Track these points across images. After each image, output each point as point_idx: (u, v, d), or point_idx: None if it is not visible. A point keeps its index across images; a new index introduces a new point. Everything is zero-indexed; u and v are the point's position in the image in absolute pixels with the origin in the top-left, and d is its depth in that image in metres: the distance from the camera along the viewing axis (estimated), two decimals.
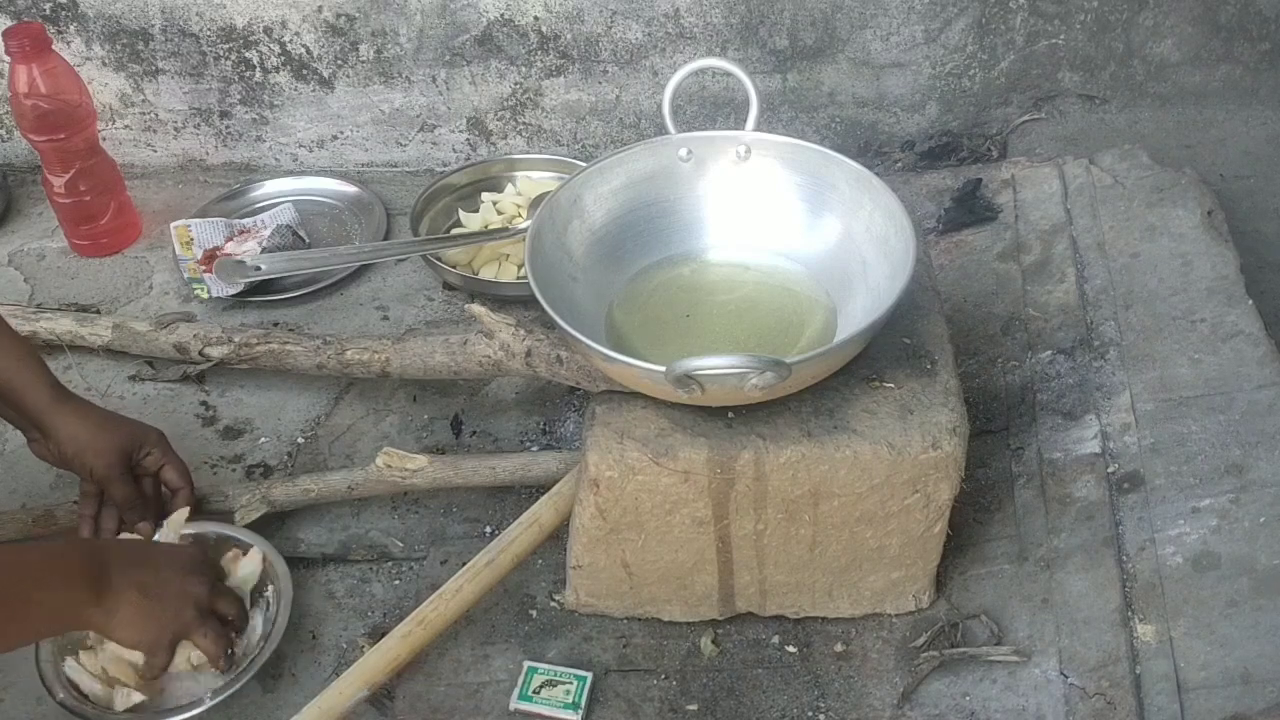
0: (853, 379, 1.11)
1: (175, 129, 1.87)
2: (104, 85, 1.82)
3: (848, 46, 1.73)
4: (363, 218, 1.78)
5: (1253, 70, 1.74)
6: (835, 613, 1.19)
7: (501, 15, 1.72)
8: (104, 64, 1.80)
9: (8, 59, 1.58)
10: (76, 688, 1.11)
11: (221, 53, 1.78)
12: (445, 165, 1.86)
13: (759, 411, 1.09)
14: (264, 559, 1.20)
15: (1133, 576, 1.12)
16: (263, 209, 1.77)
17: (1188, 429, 1.22)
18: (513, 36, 1.74)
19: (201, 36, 1.77)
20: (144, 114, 1.85)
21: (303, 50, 1.78)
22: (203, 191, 1.84)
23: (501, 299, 1.52)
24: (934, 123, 1.79)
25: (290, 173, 1.87)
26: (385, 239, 1.74)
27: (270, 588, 1.19)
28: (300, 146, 1.87)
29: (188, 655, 1.10)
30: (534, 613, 1.22)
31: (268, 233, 1.66)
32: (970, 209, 1.61)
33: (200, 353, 1.45)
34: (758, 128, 1.24)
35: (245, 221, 1.72)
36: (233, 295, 1.60)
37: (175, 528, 1.21)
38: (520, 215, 1.69)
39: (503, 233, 1.63)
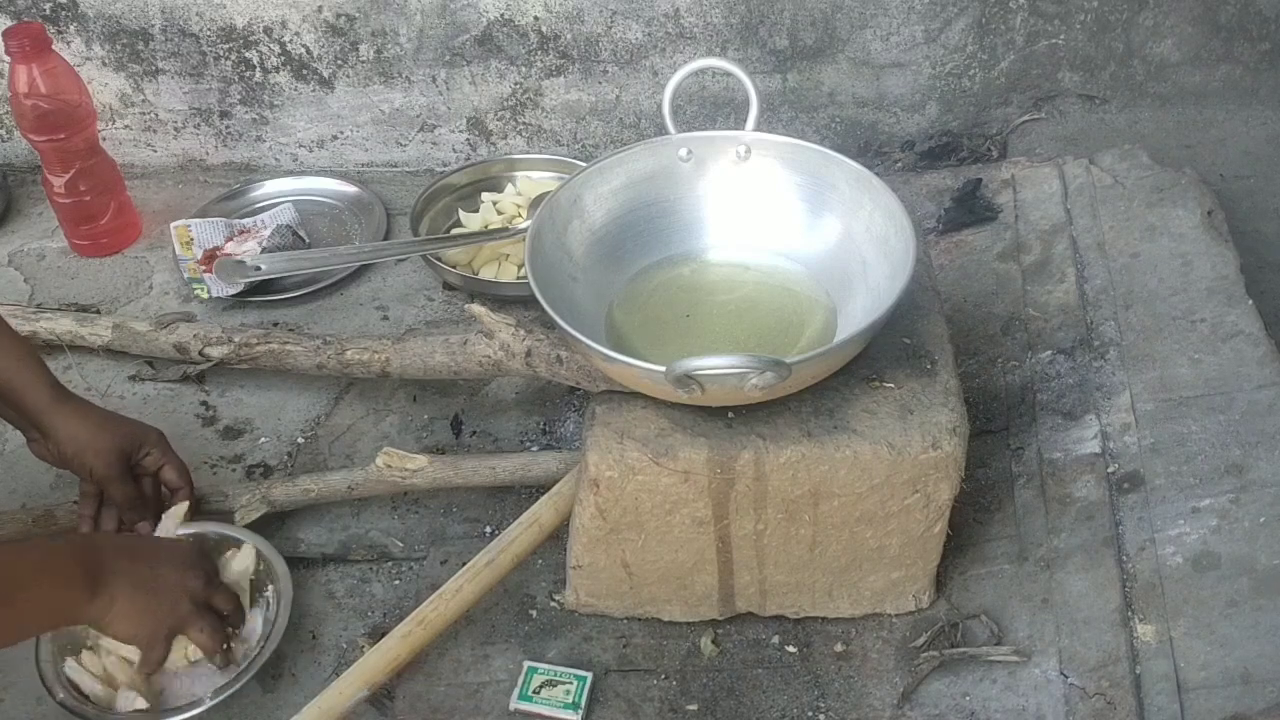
0: (853, 379, 1.11)
1: (175, 129, 1.87)
2: (104, 85, 1.82)
3: (848, 46, 1.73)
4: (363, 218, 1.78)
5: (1253, 70, 1.74)
6: (835, 613, 1.19)
7: (501, 15, 1.72)
8: (104, 64, 1.80)
9: (8, 59, 1.58)
10: (77, 688, 1.11)
11: (221, 53, 1.78)
12: (445, 165, 1.86)
13: (759, 411, 1.09)
14: (258, 555, 1.20)
15: (1133, 576, 1.12)
16: (263, 209, 1.77)
17: (1188, 429, 1.22)
18: (513, 36, 1.74)
19: (201, 36, 1.77)
20: (144, 114, 1.85)
21: (303, 50, 1.78)
22: (203, 191, 1.84)
23: (501, 299, 1.52)
24: (934, 123, 1.79)
25: (290, 173, 1.87)
26: (385, 239, 1.74)
27: (270, 588, 1.19)
28: (300, 146, 1.87)
29: (184, 651, 1.10)
30: (534, 613, 1.22)
31: (268, 233, 1.66)
32: (970, 209, 1.61)
33: (200, 353, 1.45)
34: (758, 128, 1.24)
35: (245, 221, 1.72)
36: (233, 295, 1.60)
37: (176, 519, 1.21)
38: (520, 215, 1.69)
39: (503, 233, 1.63)
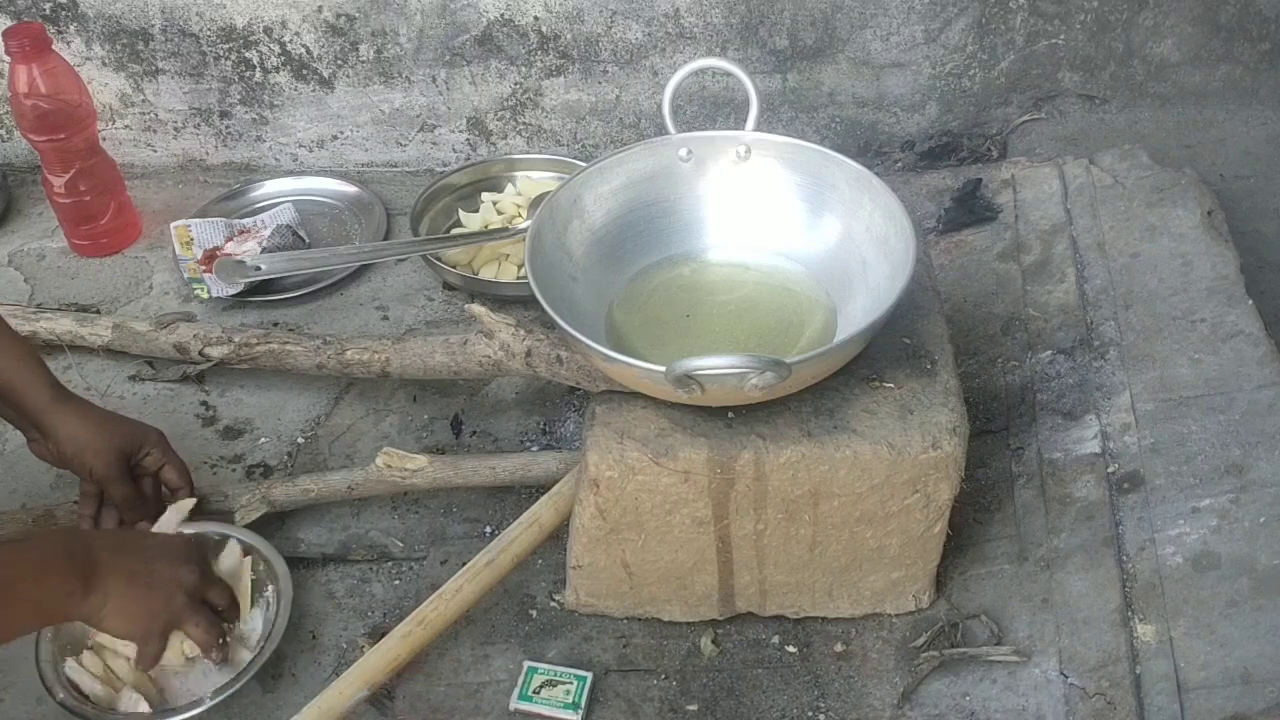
0: (853, 379, 1.11)
1: (175, 129, 1.87)
2: (104, 85, 1.82)
3: (848, 46, 1.73)
4: (363, 218, 1.78)
5: (1253, 70, 1.74)
6: (835, 613, 1.19)
7: (501, 15, 1.72)
8: (104, 64, 1.80)
9: (8, 59, 1.58)
10: (77, 688, 1.11)
11: (221, 53, 1.78)
12: (445, 165, 1.86)
13: (759, 411, 1.09)
14: (243, 553, 1.19)
15: (1133, 576, 1.12)
16: (263, 209, 1.77)
17: (1188, 429, 1.22)
18: (513, 36, 1.74)
19: (201, 36, 1.77)
20: (144, 114, 1.85)
21: (303, 50, 1.78)
22: (203, 191, 1.84)
23: (501, 299, 1.52)
24: (934, 123, 1.79)
25: (290, 173, 1.87)
26: (385, 239, 1.74)
27: (270, 588, 1.19)
28: (300, 146, 1.87)
29: (181, 648, 1.10)
30: (534, 613, 1.22)
31: (268, 233, 1.66)
32: (970, 209, 1.61)
33: (200, 353, 1.45)
34: (758, 128, 1.24)
35: (245, 221, 1.72)
36: (233, 295, 1.60)
37: (181, 513, 1.21)
38: (520, 215, 1.69)
39: (503, 233, 1.63)
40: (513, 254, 1.64)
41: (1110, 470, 1.22)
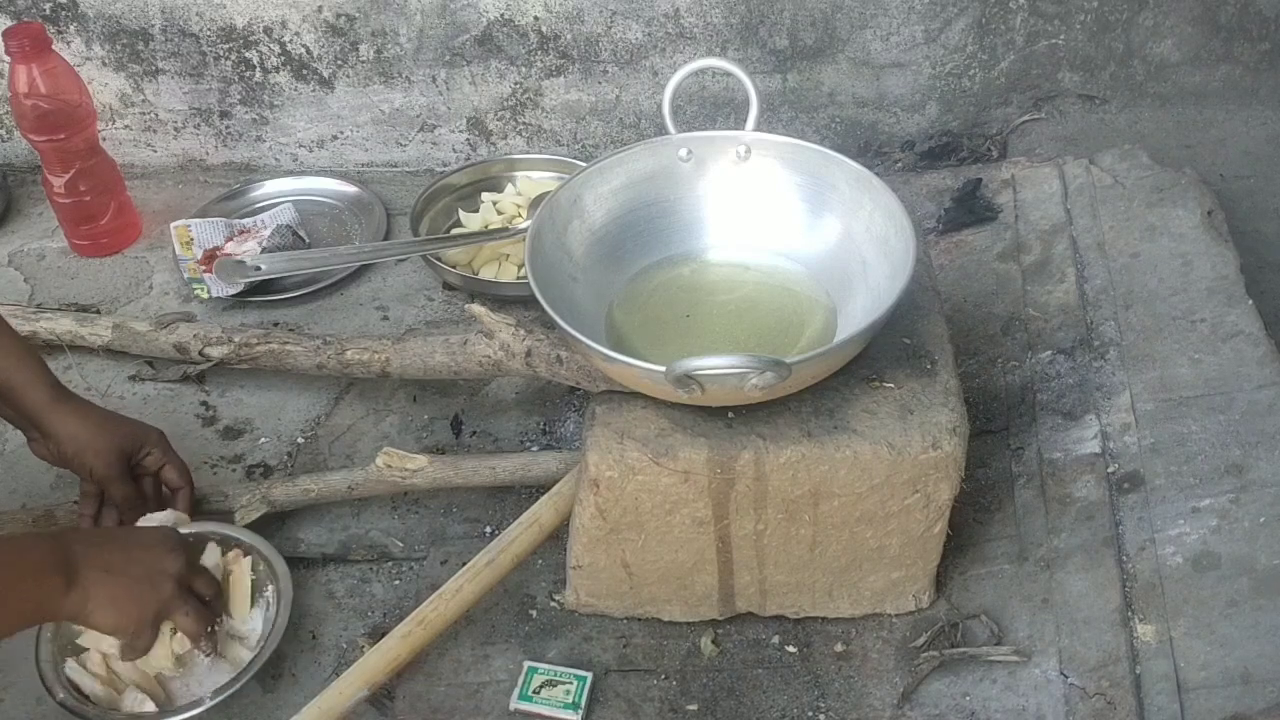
0: (853, 379, 1.11)
1: (175, 129, 1.87)
2: (104, 85, 1.82)
3: (848, 46, 1.73)
4: (363, 218, 1.78)
5: (1253, 70, 1.74)
6: (835, 613, 1.19)
7: (501, 15, 1.72)
8: (104, 64, 1.80)
9: (8, 59, 1.58)
10: (77, 688, 1.11)
11: (221, 53, 1.78)
12: (445, 165, 1.86)
13: (759, 411, 1.09)
14: (221, 552, 1.18)
15: (1133, 576, 1.12)
16: (263, 209, 1.77)
17: (1188, 429, 1.22)
18: (513, 36, 1.74)
19: (201, 36, 1.77)
20: (144, 114, 1.85)
21: (303, 50, 1.78)
22: (203, 191, 1.84)
23: (501, 299, 1.52)
24: (934, 123, 1.79)
25: (290, 173, 1.87)
26: (385, 239, 1.74)
27: (270, 588, 1.19)
28: (300, 146, 1.87)
29: (169, 646, 1.09)
30: (534, 613, 1.22)
31: (268, 233, 1.66)
32: (970, 209, 1.61)
33: (200, 353, 1.45)
34: (758, 128, 1.24)
35: (245, 221, 1.72)
36: (233, 295, 1.60)
37: (180, 519, 1.21)
38: (520, 215, 1.69)
39: (503, 233, 1.63)
40: (513, 254, 1.64)
41: (1110, 470, 1.22)
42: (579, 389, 1.20)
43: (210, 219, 1.70)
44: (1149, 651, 1.06)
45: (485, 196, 1.74)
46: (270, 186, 1.83)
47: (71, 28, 1.77)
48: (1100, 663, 1.07)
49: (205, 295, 1.61)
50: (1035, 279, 1.48)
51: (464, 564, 1.16)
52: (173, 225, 1.67)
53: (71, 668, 1.12)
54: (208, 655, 1.11)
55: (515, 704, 1.13)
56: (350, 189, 1.82)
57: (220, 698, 1.10)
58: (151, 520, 1.20)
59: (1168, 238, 1.45)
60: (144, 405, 1.48)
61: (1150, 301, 1.37)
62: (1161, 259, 1.42)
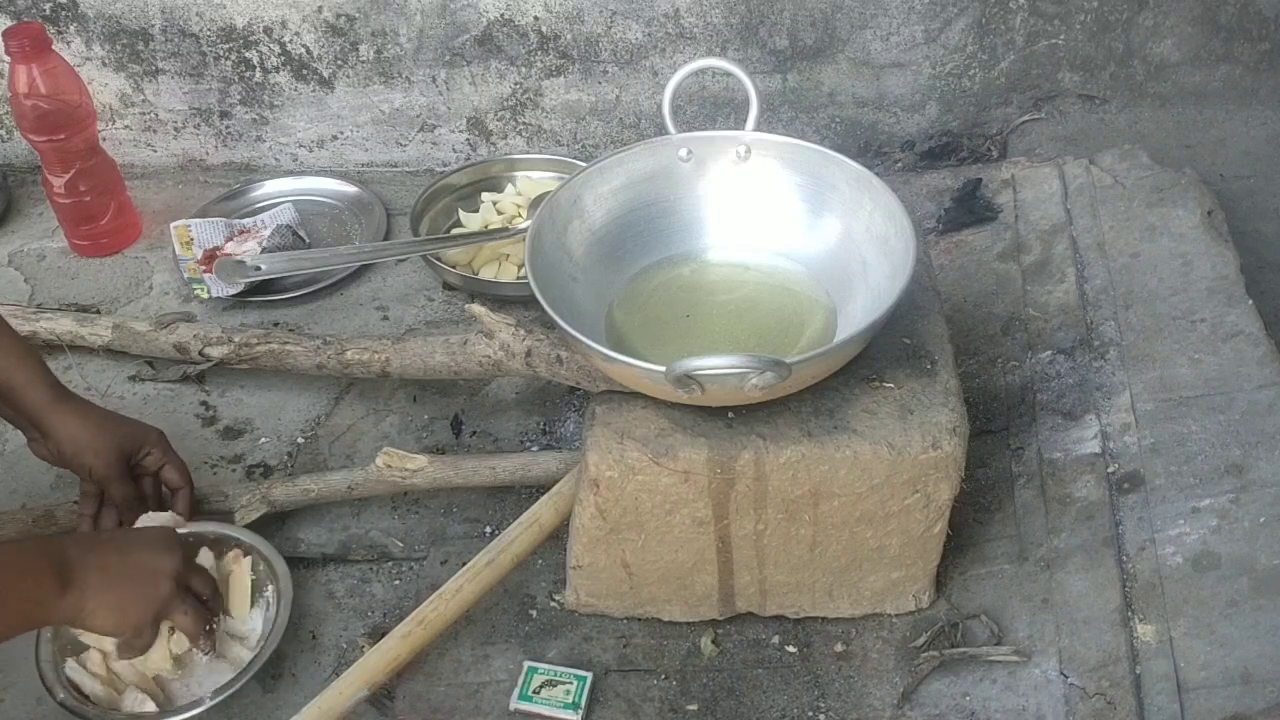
0: (853, 379, 1.11)
1: (175, 129, 1.87)
2: (104, 85, 1.82)
3: (848, 46, 1.73)
4: (363, 218, 1.78)
5: (1253, 70, 1.74)
6: (835, 613, 1.19)
7: (501, 15, 1.72)
8: (104, 64, 1.80)
9: (8, 59, 1.58)
10: (77, 688, 1.11)
11: (221, 53, 1.78)
12: (445, 165, 1.86)
13: (759, 411, 1.09)
14: (213, 556, 1.18)
15: (1133, 576, 1.12)
16: (263, 209, 1.77)
17: (1188, 429, 1.22)
18: (513, 36, 1.74)
19: (201, 36, 1.77)
20: (144, 114, 1.85)
21: (303, 50, 1.78)
22: (203, 191, 1.84)
23: (501, 299, 1.52)
24: (934, 123, 1.79)
25: (290, 173, 1.87)
26: (385, 239, 1.74)
27: (270, 588, 1.19)
28: (300, 146, 1.87)
29: (167, 647, 1.09)
30: (534, 613, 1.22)
31: (268, 233, 1.66)
32: (970, 209, 1.61)
33: (200, 353, 1.45)
34: (758, 128, 1.24)
35: (245, 221, 1.72)
36: (233, 295, 1.60)
37: (179, 520, 1.21)
38: (520, 215, 1.69)
39: (503, 233, 1.63)
40: (513, 254, 1.64)
41: (1110, 470, 1.22)
42: (579, 389, 1.20)
43: (210, 219, 1.70)
44: (1149, 651, 1.06)
45: (485, 196, 1.74)
46: (270, 186, 1.83)
47: (71, 28, 1.77)
48: (1100, 663, 1.07)
49: (205, 295, 1.61)
50: (1035, 279, 1.48)
51: (464, 564, 1.16)
52: (173, 225, 1.67)
53: (71, 668, 1.12)
54: (206, 654, 1.11)
55: (515, 704, 1.13)
56: (350, 189, 1.82)
57: (220, 698, 1.10)
58: (151, 520, 1.20)
59: (1168, 238, 1.45)
60: (144, 405, 1.48)
61: (1150, 301, 1.37)
62: (1161, 259, 1.42)
